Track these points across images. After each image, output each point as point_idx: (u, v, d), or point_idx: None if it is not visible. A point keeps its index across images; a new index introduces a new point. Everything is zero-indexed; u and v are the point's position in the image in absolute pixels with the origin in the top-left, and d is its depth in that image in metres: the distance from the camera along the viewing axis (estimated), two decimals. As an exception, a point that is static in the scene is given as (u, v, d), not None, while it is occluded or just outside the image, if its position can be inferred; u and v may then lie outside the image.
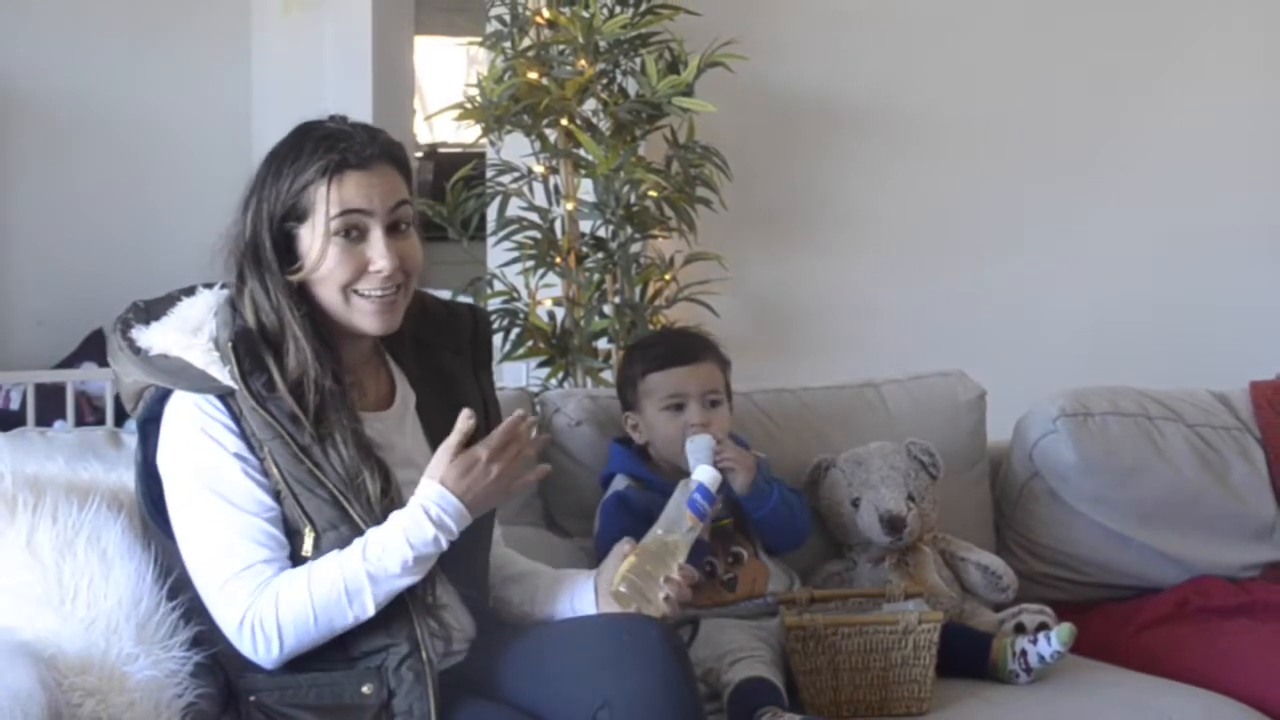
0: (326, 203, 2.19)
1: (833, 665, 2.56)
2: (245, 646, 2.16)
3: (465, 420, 2.19)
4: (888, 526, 2.82)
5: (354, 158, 2.20)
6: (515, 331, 3.96)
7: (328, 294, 2.22)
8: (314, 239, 2.20)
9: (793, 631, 2.56)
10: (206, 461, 2.18)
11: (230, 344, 2.18)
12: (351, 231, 2.20)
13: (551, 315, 4.02)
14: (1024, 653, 2.67)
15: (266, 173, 2.23)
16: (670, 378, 2.75)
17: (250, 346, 2.19)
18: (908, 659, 2.56)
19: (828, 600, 2.69)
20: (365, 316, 2.23)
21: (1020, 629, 2.77)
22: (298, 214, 2.21)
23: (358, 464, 2.18)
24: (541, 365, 4.00)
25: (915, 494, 2.85)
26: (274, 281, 2.21)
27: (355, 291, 2.22)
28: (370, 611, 2.14)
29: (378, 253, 2.20)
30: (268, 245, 2.21)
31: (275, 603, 2.14)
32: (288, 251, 2.22)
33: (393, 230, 2.22)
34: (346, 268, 2.20)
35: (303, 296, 2.22)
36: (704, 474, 2.33)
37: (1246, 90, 4.79)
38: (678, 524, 2.28)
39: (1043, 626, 2.76)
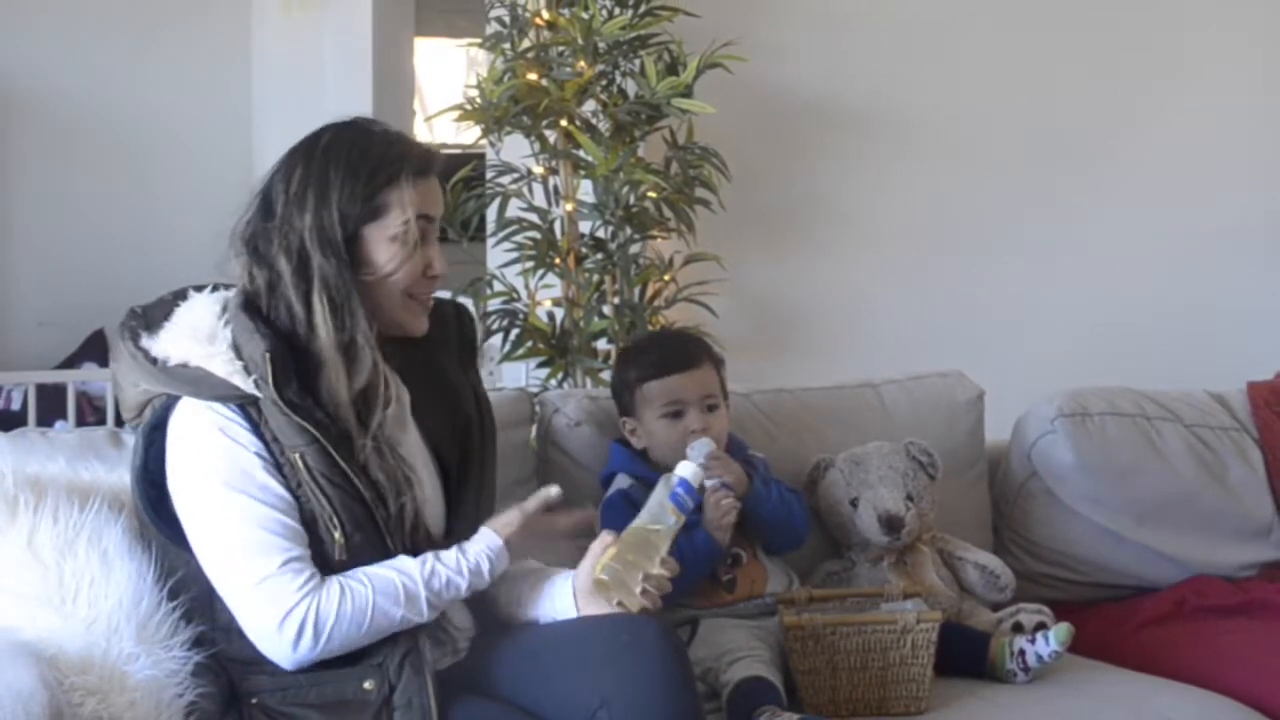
0: (406, 204, 2.22)
1: (831, 665, 2.56)
2: (282, 644, 2.15)
3: (553, 492, 2.28)
4: (886, 526, 2.82)
5: (426, 164, 2.25)
6: (515, 332, 3.97)
7: (391, 295, 2.25)
8: (385, 240, 2.22)
9: (791, 631, 2.57)
10: (229, 461, 2.18)
11: (267, 355, 2.16)
12: (421, 235, 2.24)
13: (551, 316, 4.03)
14: (1022, 652, 2.67)
15: (329, 169, 2.21)
16: (667, 385, 2.75)
17: (282, 356, 2.18)
18: (906, 658, 2.56)
19: (826, 600, 2.69)
20: (414, 318, 2.28)
21: (1018, 628, 2.78)
22: (372, 213, 2.21)
23: (399, 482, 2.22)
24: (541, 365, 4.01)
25: (914, 494, 2.86)
26: (350, 283, 2.20)
27: (410, 295, 2.26)
28: (420, 620, 2.19)
29: (437, 257, 2.26)
30: (342, 244, 2.20)
31: (338, 602, 2.14)
32: (350, 253, 2.22)
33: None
34: (415, 270, 2.25)
35: (361, 300, 2.23)
36: (686, 469, 2.35)
37: (1245, 92, 4.80)
38: (660, 517, 2.29)
39: (1040, 626, 2.76)
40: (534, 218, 4.00)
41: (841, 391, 3.13)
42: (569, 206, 3.98)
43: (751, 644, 2.59)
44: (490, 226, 4.01)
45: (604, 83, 3.99)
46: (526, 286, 4.01)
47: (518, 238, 3.97)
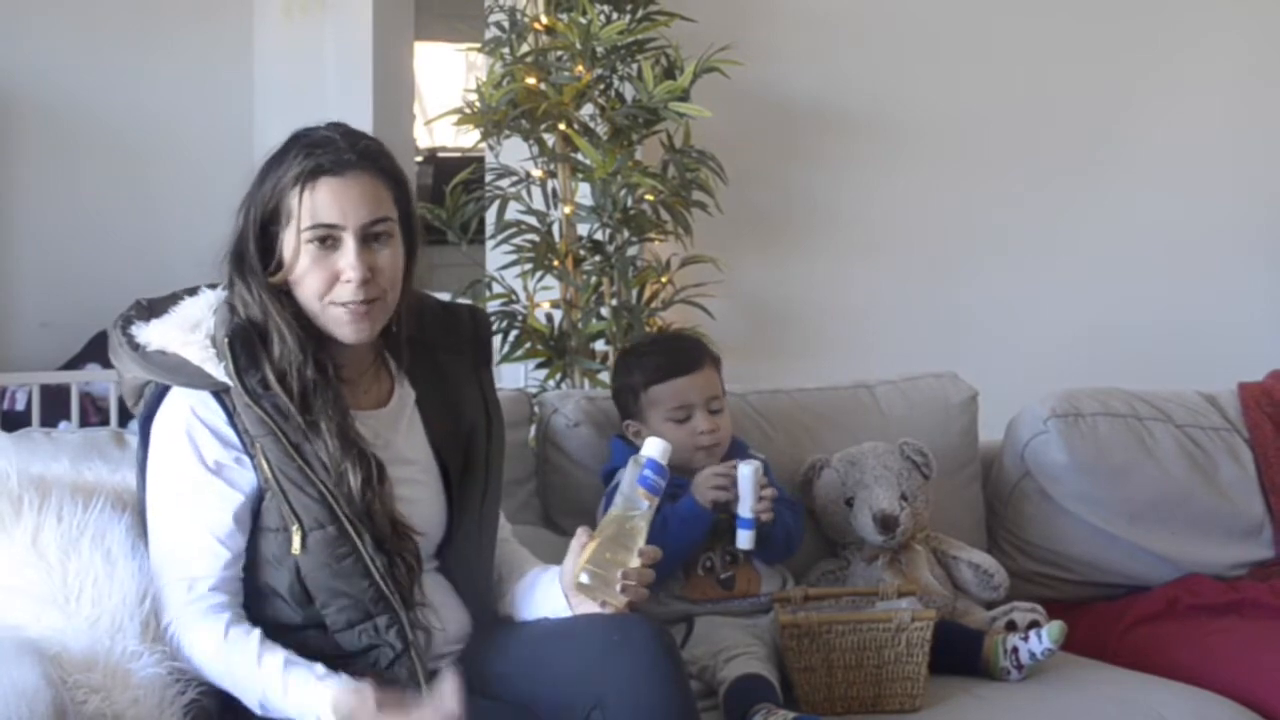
0: (299, 211, 2.21)
1: (827, 663, 2.58)
2: (166, 638, 2.20)
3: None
4: (881, 525, 2.84)
5: (329, 164, 2.21)
6: (514, 333, 3.99)
7: (306, 299, 2.25)
8: (290, 244, 2.23)
9: (787, 629, 2.58)
10: (182, 468, 2.22)
11: (227, 340, 2.21)
12: (326, 240, 2.22)
13: (549, 317, 4.04)
14: (1015, 650, 2.69)
15: (257, 177, 2.26)
16: (673, 389, 2.77)
17: (247, 343, 2.22)
18: (901, 656, 2.58)
19: (822, 598, 2.71)
20: (338, 325, 2.25)
21: (1012, 626, 2.80)
22: (277, 218, 2.24)
23: (340, 456, 2.20)
24: (540, 367, 4.02)
25: (908, 493, 2.88)
26: (257, 282, 2.24)
27: (330, 301, 2.24)
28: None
29: (347, 263, 2.22)
30: (251, 247, 2.24)
31: (201, 637, 2.18)
32: (270, 254, 2.25)
33: (369, 240, 2.24)
34: (319, 276, 2.23)
35: (288, 296, 2.25)
36: (652, 448, 2.30)
37: (1234, 98, 4.81)
38: (633, 503, 2.26)
39: (1034, 624, 2.78)
40: (532, 220, 4.02)
41: (837, 392, 3.15)
42: (567, 209, 3.99)
43: (748, 641, 2.61)
44: (489, 229, 4.03)
45: (602, 87, 4.00)
46: (525, 288, 4.02)
47: (516, 240, 3.99)
